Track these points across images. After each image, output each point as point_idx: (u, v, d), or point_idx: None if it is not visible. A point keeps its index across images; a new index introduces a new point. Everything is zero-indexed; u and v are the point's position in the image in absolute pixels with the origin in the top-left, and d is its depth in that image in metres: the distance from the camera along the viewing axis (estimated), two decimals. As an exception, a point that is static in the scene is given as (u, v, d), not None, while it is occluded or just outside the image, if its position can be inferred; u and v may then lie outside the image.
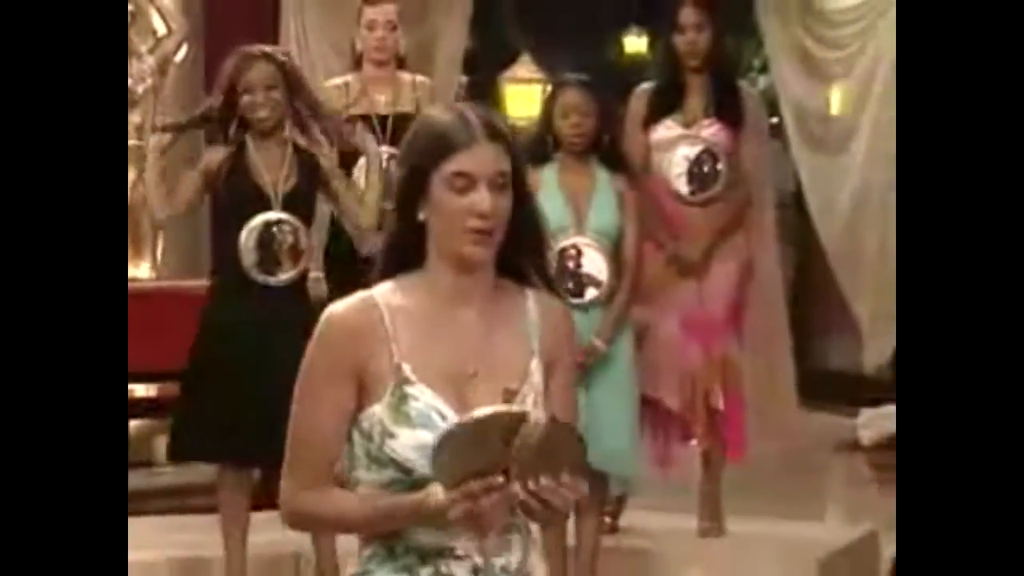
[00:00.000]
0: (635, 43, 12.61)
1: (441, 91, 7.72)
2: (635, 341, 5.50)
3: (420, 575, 2.45)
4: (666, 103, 5.87)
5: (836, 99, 9.56)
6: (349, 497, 2.48)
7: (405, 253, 2.51)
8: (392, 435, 2.41)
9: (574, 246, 5.47)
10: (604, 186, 5.52)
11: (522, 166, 2.51)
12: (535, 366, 2.51)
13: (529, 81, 11.68)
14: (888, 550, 5.66)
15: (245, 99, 5.02)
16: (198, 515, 5.80)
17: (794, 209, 9.55)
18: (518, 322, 2.53)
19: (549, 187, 5.42)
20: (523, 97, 11.58)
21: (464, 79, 10.35)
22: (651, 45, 11.91)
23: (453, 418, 2.41)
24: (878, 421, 8.12)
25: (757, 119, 6.21)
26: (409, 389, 2.43)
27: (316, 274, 5.41)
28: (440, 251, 2.48)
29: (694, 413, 5.75)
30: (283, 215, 5.06)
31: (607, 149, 5.54)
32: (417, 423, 2.41)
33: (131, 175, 6.70)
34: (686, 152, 5.85)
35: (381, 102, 5.90)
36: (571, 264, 5.48)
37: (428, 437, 2.37)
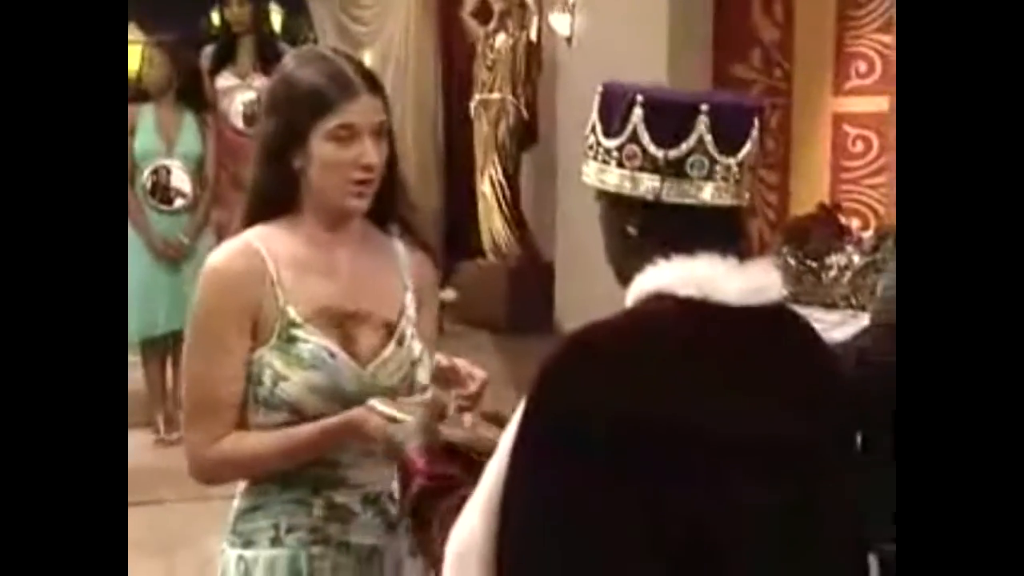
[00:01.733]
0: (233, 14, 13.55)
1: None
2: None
3: (313, 505, 2.35)
4: (222, 59, 7.03)
5: (367, 60, 9.43)
6: (264, 436, 2.29)
7: (274, 201, 2.35)
8: (285, 378, 2.27)
9: (165, 167, 6.26)
10: (188, 122, 6.33)
11: (391, 116, 2.34)
12: (409, 300, 2.42)
13: (134, 43, 12.36)
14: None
15: None
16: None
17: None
18: (390, 261, 2.41)
19: (146, 121, 6.26)
20: (130, 56, 12.19)
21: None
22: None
23: (343, 357, 2.31)
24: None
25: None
26: (296, 332, 2.29)
27: None
28: (318, 201, 2.32)
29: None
30: None
31: (188, 94, 6.35)
32: (309, 364, 2.28)
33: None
34: (242, 98, 6.97)
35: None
36: (163, 180, 6.26)
37: (320, 378, 2.28)
